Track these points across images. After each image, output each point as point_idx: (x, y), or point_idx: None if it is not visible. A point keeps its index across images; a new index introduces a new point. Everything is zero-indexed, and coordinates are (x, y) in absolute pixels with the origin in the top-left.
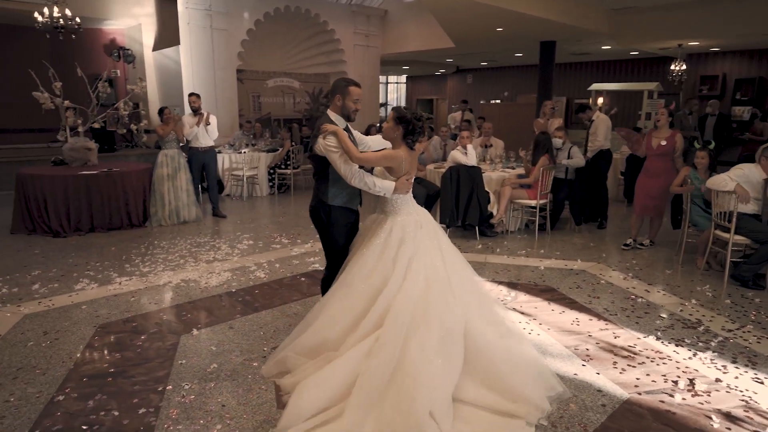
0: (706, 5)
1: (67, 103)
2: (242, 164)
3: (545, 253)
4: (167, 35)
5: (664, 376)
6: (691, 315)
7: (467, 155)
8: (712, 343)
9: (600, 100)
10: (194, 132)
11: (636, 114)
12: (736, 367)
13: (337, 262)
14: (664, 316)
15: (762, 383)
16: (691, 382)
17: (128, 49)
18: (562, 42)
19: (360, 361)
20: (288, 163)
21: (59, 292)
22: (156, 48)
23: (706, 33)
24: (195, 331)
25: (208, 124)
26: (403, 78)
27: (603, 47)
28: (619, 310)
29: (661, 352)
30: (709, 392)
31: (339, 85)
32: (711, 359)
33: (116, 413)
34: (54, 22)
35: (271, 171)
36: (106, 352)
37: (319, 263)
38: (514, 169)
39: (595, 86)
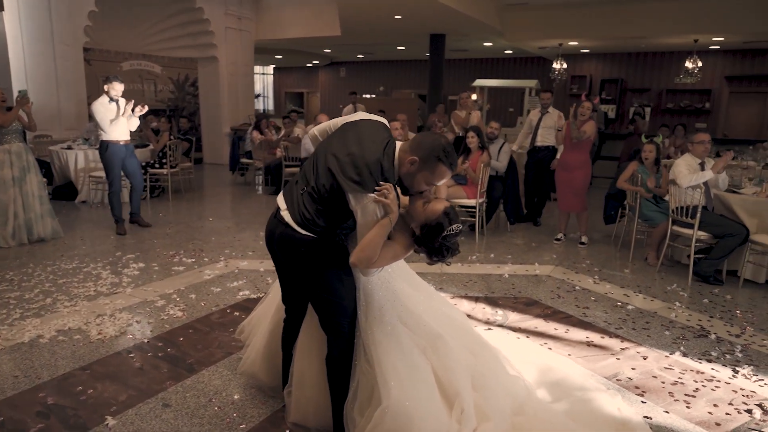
0: (589, 6)
1: None
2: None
3: (497, 258)
4: None
5: (732, 404)
6: (688, 321)
7: None
8: (737, 354)
9: (473, 96)
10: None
11: (518, 110)
12: None
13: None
14: (666, 325)
15: None
16: (764, 410)
17: None
18: (449, 37)
19: None
20: (164, 161)
21: None
22: None
23: (583, 34)
24: (110, 421)
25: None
26: (270, 69)
27: (485, 44)
28: (619, 321)
29: (703, 373)
30: None
31: (434, 151)
32: (756, 376)
33: None
34: None
35: (142, 171)
36: None
37: (247, 287)
38: None
39: (479, 82)
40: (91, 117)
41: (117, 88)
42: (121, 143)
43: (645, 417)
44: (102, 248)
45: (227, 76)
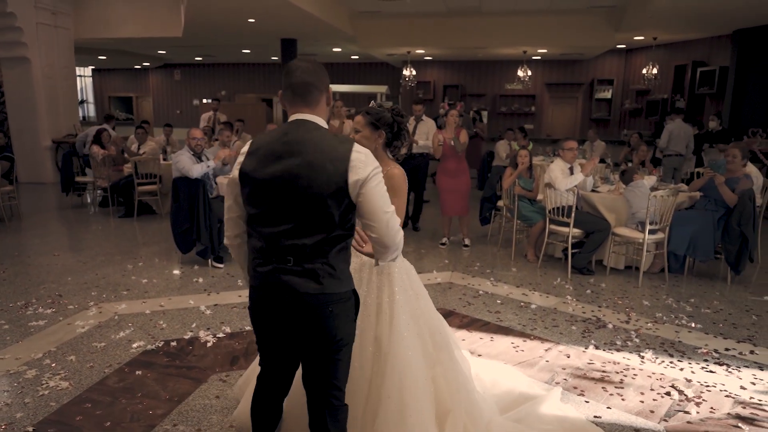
0: (434, 17)
1: None
2: None
3: None
4: None
5: (654, 391)
6: (584, 313)
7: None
8: (635, 340)
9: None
10: None
11: None
12: (680, 360)
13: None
14: (569, 320)
15: (714, 372)
16: (678, 390)
17: None
18: (300, 41)
19: None
20: None
21: None
22: None
23: (429, 42)
24: None
25: None
26: (89, 70)
27: (334, 49)
28: (531, 322)
29: (618, 363)
30: (700, 397)
31: (315, 66)
32: (657, 358)
33: None
34: None
35: None
36: None
37: (138, 337)
38: None
39: (331, 87)
40: None
41: None
42: None
43: (595, 417)
44: None
45: (43, 80)
